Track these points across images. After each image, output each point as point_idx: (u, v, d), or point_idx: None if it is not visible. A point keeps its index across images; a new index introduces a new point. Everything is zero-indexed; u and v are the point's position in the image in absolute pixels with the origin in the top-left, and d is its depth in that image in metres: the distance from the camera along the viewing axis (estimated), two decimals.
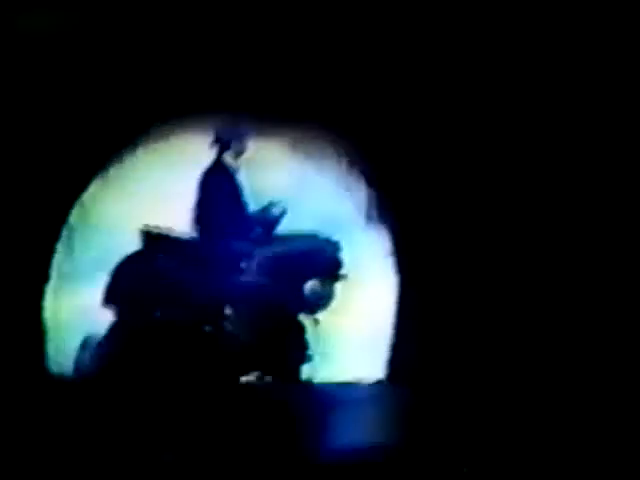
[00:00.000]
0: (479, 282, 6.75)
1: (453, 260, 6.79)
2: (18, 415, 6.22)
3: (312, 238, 6.82)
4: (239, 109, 6.79)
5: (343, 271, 6.80)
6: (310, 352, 6.71)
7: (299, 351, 6.71)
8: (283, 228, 6.86)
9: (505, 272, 6.74)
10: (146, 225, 6.68)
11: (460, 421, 6.36)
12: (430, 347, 6.70)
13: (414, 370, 6.70)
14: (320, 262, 6.78)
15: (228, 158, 6.85)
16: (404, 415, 6.42)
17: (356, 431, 6.25)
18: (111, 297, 6.59)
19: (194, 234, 6.77)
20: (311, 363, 6.73)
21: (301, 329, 6.71)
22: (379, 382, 6.79)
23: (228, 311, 6.68)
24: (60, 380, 6.59)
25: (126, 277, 6.62)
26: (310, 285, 6.75)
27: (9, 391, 6.34)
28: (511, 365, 6.59)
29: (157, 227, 6.70)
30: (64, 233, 6.77)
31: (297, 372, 6.71)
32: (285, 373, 6.69)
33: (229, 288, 6.70)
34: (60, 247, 6.77)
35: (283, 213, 6.79)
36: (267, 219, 6.81)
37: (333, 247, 6.79)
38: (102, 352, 6.60)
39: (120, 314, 6.63)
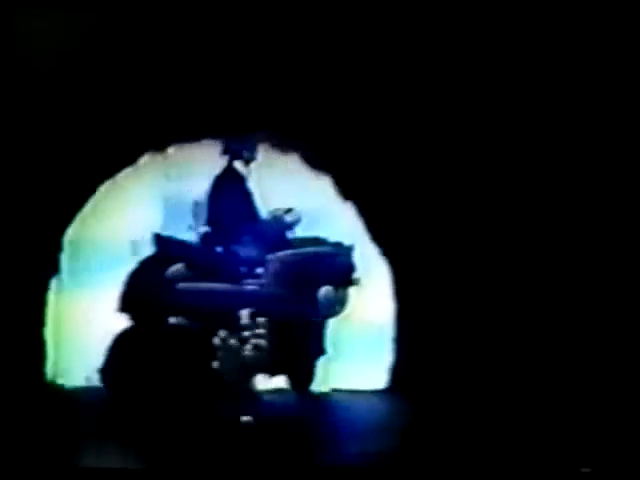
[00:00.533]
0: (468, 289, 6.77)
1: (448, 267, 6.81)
2: (19, 426, 6.05)
3: (325, 243, 6.82)
4: (249, 119, 6.81)
5: (356, 275, 6.79)
6: (325, 346, 6.70)
7: (314, 348, 6.68)
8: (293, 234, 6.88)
9: (498, 278, 6.77)
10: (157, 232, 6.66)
11: (461, 429, 6.32)
12: (429, 355, 6.71)
13: (415, 378, 6.70)
14: (334, 267, 6.75)
15: (239, 165, 6.85)
16: (405, 424, 6.38)
17: (358, 439, 6.20)
18: (126, 304, 6.51)
19: (207, 240, 6.73)
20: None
21: (317, 327, 6.68)
22: (380, 390, 6.82)
23: (243, 317, 6.61)
24: (63, 391, 6.55)
25: (140, 284, 6.55)
26: (324, 291, 6.71)
27: (9, 402, 6.21)
28: (510, 374, 6.60)
29: (170, 233, 6.69)
30: (66, 243, 6.72)
31: (313, 369, 6.70)
32: (301, 372, 6.67)
33: (244, 294, 6.65)
34: (62, 258, 6.71)
35: (297, 220, 6.78)
36: (280, 225, 6.79)
37: (346, 251, 6.78)
38: (115, 360, 6.52)
39: (135, 321, 6.54)
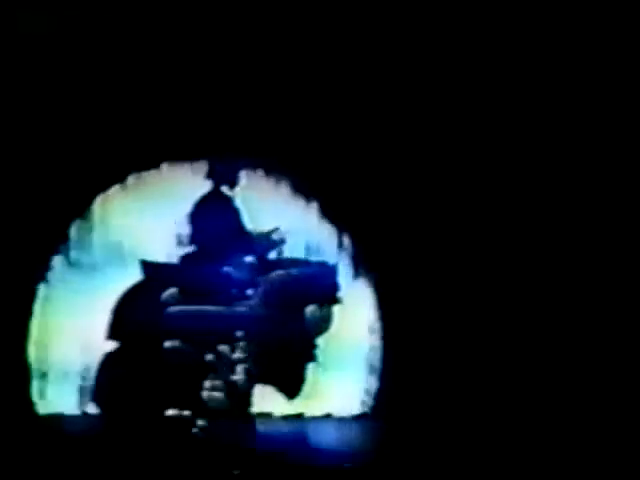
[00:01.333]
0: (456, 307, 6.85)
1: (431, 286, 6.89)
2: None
3: (309, 263, 6.92)
4: (234, 142, 6.87)
5: (340, 294, 6.91)
6: (316, 352, 6.82)
7: (303, 359, 6.82)
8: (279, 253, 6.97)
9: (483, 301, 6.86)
10: (143, 256, 6.73)
11: (446, 453, 6.49)
12: (410, 379, 6.77)
13: (395, 404, 6.78)
14: (319, 286, 6.87)
15: (224, 188, 6.93)
16: (384, 449, 6.53)
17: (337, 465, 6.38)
18: (116, 331, 6.61)
19: (194, 260, 6.81)
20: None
21: (305, 345, 6.82)
22: (359, 416, 6.90)
23: (233, 339, 6.74)
24: (49, 420, 6.57)
25: (129, 310, 6.62)
26: (310, 310, 6.84)
27: None
28: (497, 397, 6.69)
29: (156, 258, 6.76)
30: (51, 266, 6.74)
31: (303, 373, 6.81)
32: (290, 378, 6.80)
33: (235, 316, 6.77)
34: (45, 283, 6.74)
35: (282, 240, 6.89)
36: (266, 246, 6.89)
37: (331, 271, 6.90)
38: (105, 386, 6.63)
39: (125, 347, 6.64)
